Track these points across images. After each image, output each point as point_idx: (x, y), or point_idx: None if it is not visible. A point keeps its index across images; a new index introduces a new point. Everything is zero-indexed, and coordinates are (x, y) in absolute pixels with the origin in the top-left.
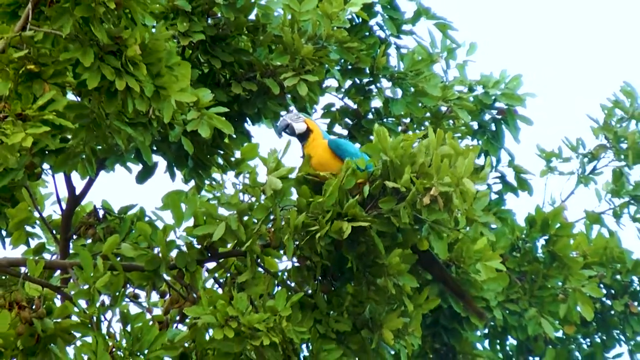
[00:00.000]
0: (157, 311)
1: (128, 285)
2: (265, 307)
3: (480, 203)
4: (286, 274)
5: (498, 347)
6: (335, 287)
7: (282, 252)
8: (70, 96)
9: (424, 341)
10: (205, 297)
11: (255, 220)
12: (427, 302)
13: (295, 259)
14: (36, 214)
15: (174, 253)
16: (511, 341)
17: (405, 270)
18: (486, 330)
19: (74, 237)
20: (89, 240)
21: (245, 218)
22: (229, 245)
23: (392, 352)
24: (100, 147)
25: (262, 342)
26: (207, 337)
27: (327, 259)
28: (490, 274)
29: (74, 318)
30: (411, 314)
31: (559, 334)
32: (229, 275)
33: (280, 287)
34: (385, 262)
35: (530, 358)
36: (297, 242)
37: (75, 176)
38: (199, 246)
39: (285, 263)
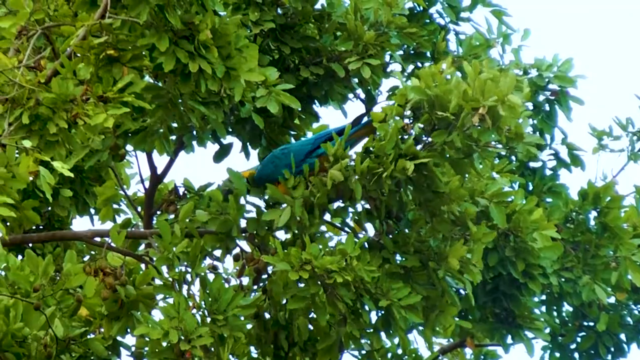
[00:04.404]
0: (233, 282)
1: (207, 258)
2: (336, 250)
3: (525, 123)
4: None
5: (555, 312)
6: (399, 228)
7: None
8: (147, 79)
9: (485, 306)
10: (280, 247)
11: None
12: (485, 235)
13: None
14: (122, 192)
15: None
16: (566, 307)
17: (466, 195)
18: (543, 297)
19: (157, 213)
20: (171, 216)
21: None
22: None
23: (455, 289)
24: (176, 126)
25: (335, 281)
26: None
27: (389, 202)
28: (546, 242)
29: (157, 282)
30: (472, 248)
31: (611, 300)
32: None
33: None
34: (446, 190)
35: (585, 323)
36: (364, 187)
37: (157, 157)
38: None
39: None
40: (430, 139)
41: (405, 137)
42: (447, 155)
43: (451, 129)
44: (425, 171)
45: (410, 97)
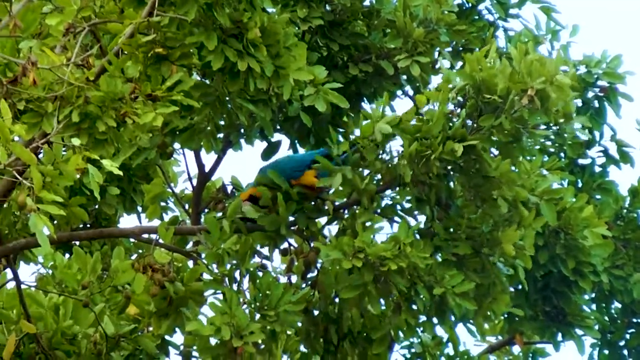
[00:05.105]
0: (283, 280)
1: (255, 256)
2: (389, 238)
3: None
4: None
5: (603, 309)
6: (448, 215)
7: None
8: (195, 77)
9: (535, 304)
10: (332, 237)
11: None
12: (536, 220)
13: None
14: (169, 190)
15: None
16: (616, 304)
17: (516, 179)
18: (593, 294)
19: (205, 210)
20: (219, 214)
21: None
22: None
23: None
24: (223, 124)
25: (389, 268)
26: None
27: (438, 188)
28: (597, 240)
29: (206, 277)
30: (524, 233)
31: None
32: (344, 223)
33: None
34: (496, 174)
35: (634, 320)
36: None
37: (205, 155)
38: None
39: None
40: (477, 125)
41: (455, 120)
42: (495, 140)
43: (499, 112)
44: (473, 155)
45: (455, 82)
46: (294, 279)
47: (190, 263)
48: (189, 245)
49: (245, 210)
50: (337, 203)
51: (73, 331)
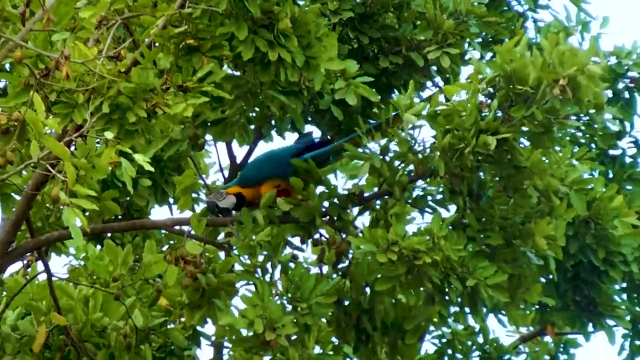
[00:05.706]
0: (314, 270)
1: (287, 247)
2: (422, 230)
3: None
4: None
5: (635, 299)
6: (481, 206)
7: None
8: (226, 69)
9: (566, 294)
10: (366, 229)
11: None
12: (567, 211)
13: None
14: (201, 181)
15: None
16: None
17: (548, 169)
18: (624, 284)
19: None
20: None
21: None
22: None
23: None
24: (255, 116)
25: (424, 261)
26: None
27: (470, 180)
28: (627, 229)
29: (238, 268)
30: (556, 224)
31: None
32: (375, 214)
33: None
34: (527, 164)
35: None
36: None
37: (236, 146)
38: (345, 191)
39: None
40: (508, 115)
41: (484, 113)
42: (526, 130)
43: (530, 103)
44: (505, 146)
45: (486, 73)
46: (325, 269)
47: (222, 254)
48: (220, 236)
49: (278, 203)
50: (367, 194)
51: (103, 323)
